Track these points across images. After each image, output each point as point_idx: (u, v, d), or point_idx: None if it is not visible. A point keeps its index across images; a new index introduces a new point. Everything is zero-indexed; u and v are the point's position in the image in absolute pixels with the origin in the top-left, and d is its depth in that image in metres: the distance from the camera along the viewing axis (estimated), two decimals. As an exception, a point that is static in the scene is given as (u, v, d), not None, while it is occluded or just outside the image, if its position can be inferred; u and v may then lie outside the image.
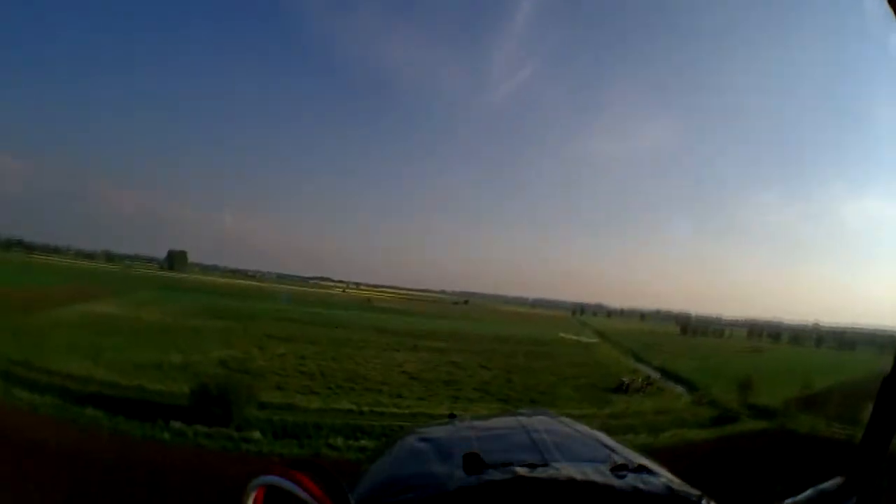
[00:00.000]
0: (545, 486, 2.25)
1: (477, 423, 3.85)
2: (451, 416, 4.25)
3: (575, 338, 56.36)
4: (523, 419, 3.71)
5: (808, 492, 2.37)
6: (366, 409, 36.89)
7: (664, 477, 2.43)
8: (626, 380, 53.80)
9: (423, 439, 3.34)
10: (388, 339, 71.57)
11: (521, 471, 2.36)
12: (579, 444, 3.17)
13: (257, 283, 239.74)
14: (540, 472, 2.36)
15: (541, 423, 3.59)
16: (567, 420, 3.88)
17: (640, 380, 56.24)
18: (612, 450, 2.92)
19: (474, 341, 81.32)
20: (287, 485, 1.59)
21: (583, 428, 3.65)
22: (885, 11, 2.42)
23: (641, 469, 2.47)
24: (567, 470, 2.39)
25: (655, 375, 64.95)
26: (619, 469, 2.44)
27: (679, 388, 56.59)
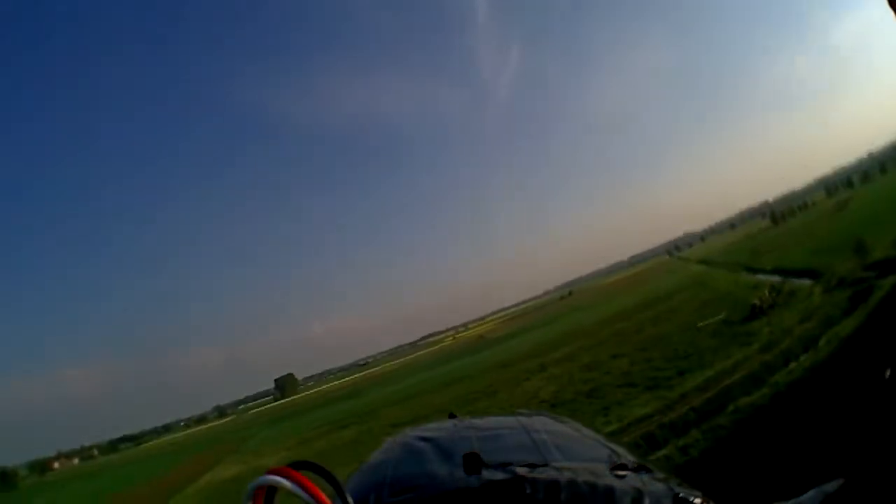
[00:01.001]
0: (545, 486, 2.24)
1: (477, 422, 3.83)
2: (451, 416, 4.31)
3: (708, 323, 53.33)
4: (523, 419, 3.67)
5: (810, 492, 2.31)
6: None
7: (664, 477, 2.44)
8: (756, 302, 50.77)
9: (423, 439, 3.37)
10: (514, 371, 69.79)
11: (521, 471, 2.37)
12: (579, 444, 3.18)
13: (373, 369, 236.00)
14: (540, 472, 2.36)
15: (541, 423, 3.56)
16: (567, 420, 3.89)
17: (767, 293, 53.33)
18: (612, 450, 2.92)
19: (594, 332, 78.76)
20: (287, 485, 1.60)
21: (583, 428, 3.62)
22: (886, 11, 2.49)
23: (641, 469, 2.48)
24: (567, 470, 2.40)
25: (777, 280, 62.47)
26: (619, 469, 2.45)
27: (805, 282, 54.31)
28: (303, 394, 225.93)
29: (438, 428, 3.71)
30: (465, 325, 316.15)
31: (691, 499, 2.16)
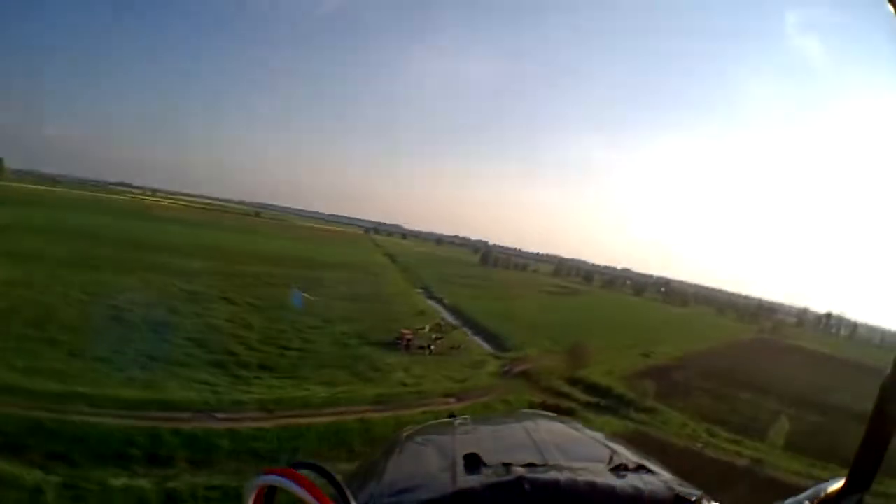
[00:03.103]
0: (545, 487, 2.12)
1: (477, 423, 3.65)
2: (451, 417, 3.91)
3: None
4: (524, 419, 3.57)
5: (809, 491, 2.17)
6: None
7: (664, 477, 2.33)
8: (406, 332, 42.10)
9: (424, 439, 3.24)
10: (133, 255, 60.70)
11: (521, 471, 2.19)
12: (579, 444, 3.00)
13: (59, 189, 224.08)
14: (540, 473, 2.21)
15: (541, 423, 3.44)
16: (567, 420, 3.72)
17: (427, 329, 45.28)
18: (612, 450, 2.69)
19: (237, 260, 70.63)
20: (287, 484, 1.52)
21: (583, 428, 3.45)
22: (886, 11, 2.08)
23: (641, 469, 2.36)
24: (567, 470, 2.26)
25: (451, 320, 55.19)
26: (619, 469, 2.34)
27: (483, 346, 46.07)
28: (4, 182, 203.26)
29: (439, 428, 3.57)
30: (153, 191, 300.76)
31: (691, 498, 2.12)
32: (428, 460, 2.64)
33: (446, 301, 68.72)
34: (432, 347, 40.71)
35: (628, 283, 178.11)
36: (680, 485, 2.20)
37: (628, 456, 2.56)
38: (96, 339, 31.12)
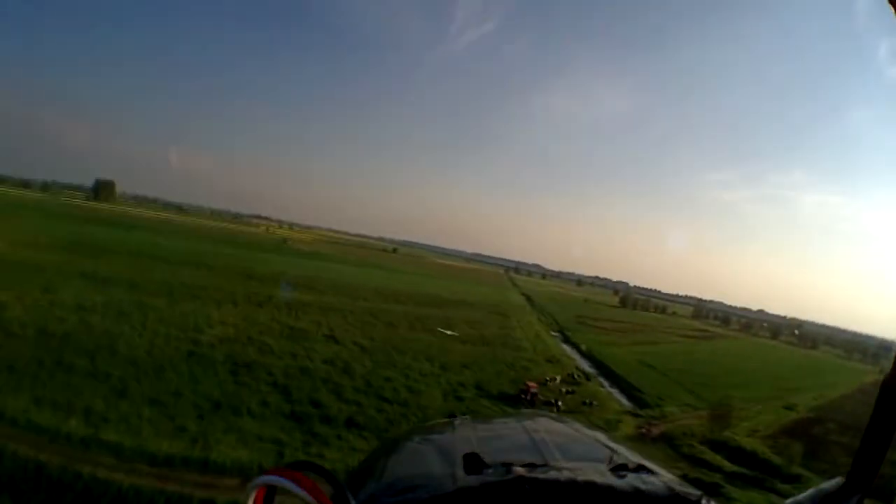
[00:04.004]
0: (545, 487, 2.21)
1: (477, 423, 3.64)
2: (451, 416, 3.97)
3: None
4: (523, 419, 3.62)
5: (809, 491, 2.38)
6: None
7: (664, 477, 2.39)
8: (532, 384, 37.65)
9: (424, 439, 3.33)
10: (242, 287, 60.17)
11: (521, 471, 2.29)
12: (579, 444, 3.13)
13: (183, 217, 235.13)
14: (540, 473, 2.31)
15: (541, 423, 3.48)
16: (567, 420, 3.76)
17: (558, 381, 41.10)
18: (612, 450, 2.83)
19: (356, 296, 69.18)
20: (287, 485, 1.56)
21: (583, 428, 3.52)
22: (886, 11, 2.28)
23: (641, 469, 2.43)
24: (567, 470, 2.35)
25: (585, 367, 50.91)
26: (619, 469, 2.41)
27: (619, 401, 41.54)
28: (114, 205, 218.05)
29: (439, 428, 3.62)
30: (290, 224, 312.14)
31: (691, 498, 2.20)
32: (428, 460, 2.69)
33: (582, 347, 64.24)
34: (560, 403, 36.32)
35: (765, 325, 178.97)
36: (680, 485, 2.22)
37: (628, 456, 2.63)
38: (156, 378, 28.27)
